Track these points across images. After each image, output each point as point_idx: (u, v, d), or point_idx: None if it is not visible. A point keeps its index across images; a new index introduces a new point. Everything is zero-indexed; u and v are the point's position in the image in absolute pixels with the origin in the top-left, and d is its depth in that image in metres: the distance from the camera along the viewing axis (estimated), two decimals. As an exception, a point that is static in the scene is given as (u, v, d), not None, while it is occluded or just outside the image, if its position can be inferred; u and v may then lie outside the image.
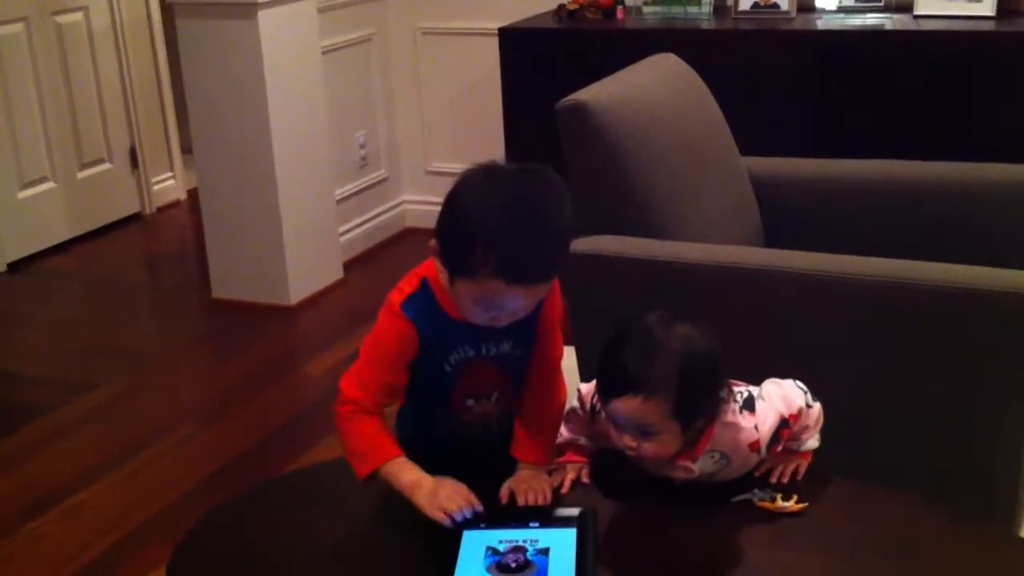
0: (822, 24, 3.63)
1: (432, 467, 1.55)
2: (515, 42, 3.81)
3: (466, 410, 1.64)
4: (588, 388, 1.63)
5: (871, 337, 1.99)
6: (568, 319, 2.03)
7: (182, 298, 4.16)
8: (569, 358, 1.79)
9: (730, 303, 2.06)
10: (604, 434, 1.59)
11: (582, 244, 2.17)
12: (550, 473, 1.62)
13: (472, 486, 1.54)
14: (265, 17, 3.65)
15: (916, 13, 3.60)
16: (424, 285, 1.55)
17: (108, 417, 3.21)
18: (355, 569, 1.49)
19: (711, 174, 2.44)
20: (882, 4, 3.72)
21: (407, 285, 1.57)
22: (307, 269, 3.98)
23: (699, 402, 1.47)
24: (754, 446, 1.53)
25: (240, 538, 1.59)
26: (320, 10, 3.97)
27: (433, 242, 1.49)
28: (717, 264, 2.09)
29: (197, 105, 3.82)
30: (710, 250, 2.14)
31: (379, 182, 4.59)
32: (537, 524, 1.50)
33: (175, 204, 5.27)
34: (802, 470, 1.61)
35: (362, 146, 4.46)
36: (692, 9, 3.85)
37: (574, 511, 1.53)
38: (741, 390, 1.56)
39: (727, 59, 3.44)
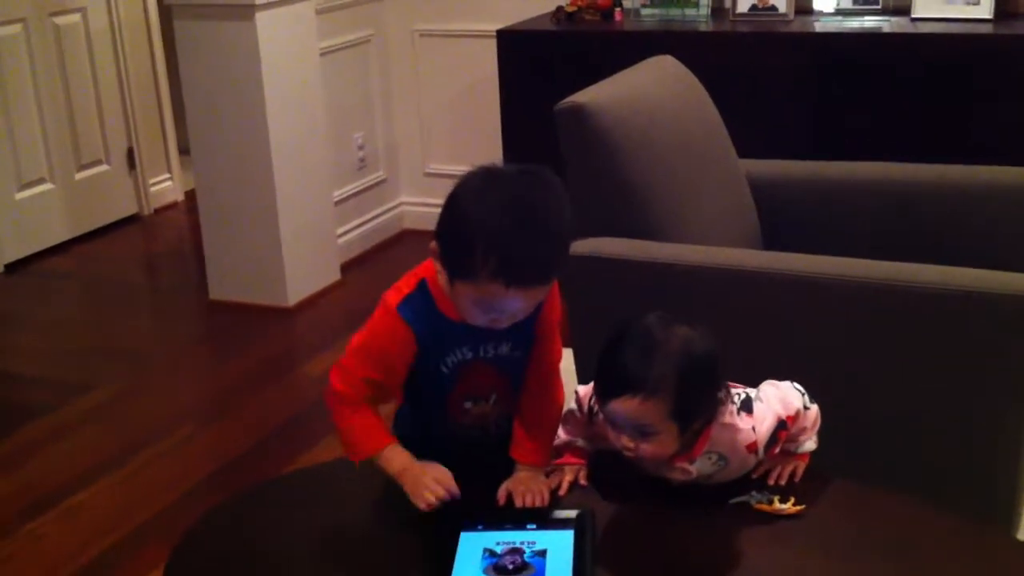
0: (820, 26, 3.63)
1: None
2: (514, 44, 3.81)
3: (464, 412, 1.64)
4: (586, 390, 1.63)
5: (869, 339, 1.99)
6: (566, 321, 2.03)
7: (180, 299, 4.16)
8: (567, 360, 1.79)
9: (729, 305, 2.06)
10: (602, 436, 1.59)
11: (581, 246, 2.17)
12: (548, 475, 1.62)
13: (470, 487, 1.54)
14: (263, 19, 3.65)
15: (914, 15, 3.60)
16: (422, 286, 1.55)
17: (107, 418, 3.21)
18: (353, 570, 1.49)
19: (710, 176, 2.44)
20: (880, 6, 3.73)
21: (405, 286, 1.56)
22: (305, 270, 3.98)
23: (697, 403, 1.47)
24: (752, 447, 1.53)
25: (239, 538, 1.59)
26: (318, 12, 3.98)
27: (433, 244, 1.49)
28: (716, 266, 2.09)
29: (195, 106, 3.82)
30: (709, 252, 2.15)
31: (377, 184, 4.59)
32: (534, 526, 1.50)
33: (173, 205, 5.27)
34: (800, 472, 1.62)
35: (360, 148, 4.46)
36: (690, 11, 3.85)
37: (572, 513, 1.53)
38: (739, 392, 1.56)
39: (725, 61, 3.45)
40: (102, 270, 4.49)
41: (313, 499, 1.68)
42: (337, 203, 4.25)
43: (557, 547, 1.45)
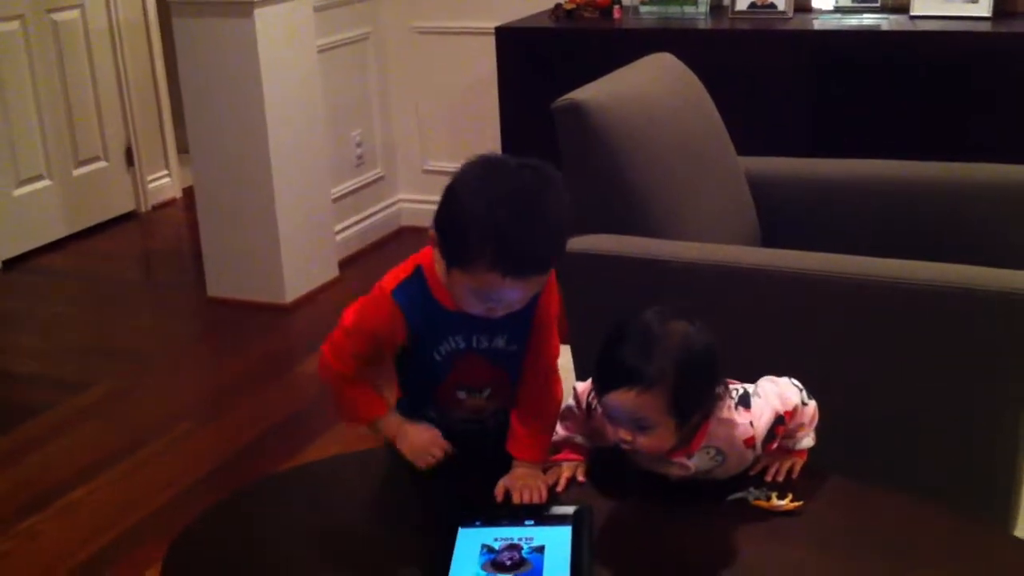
0: (819, 24, 3.63)
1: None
2: (512, 41, 3.81)
3: (458, 403, 1.65)
4: (584, 386, 1.63)
5: (867, 336, 1.99)
6: (565, 318, 2.03)
7: (178, 296, 4.16)
8: (565, 357, 1.79)
9: (727, 302, 2.06)
10: (600, 432, 1.59)
11: (579, 243, 2.17)
12: (546, 471, 1.62)
13: (468, 483, 1.55)
14: (261, 16, 3.65)
15: (912, 14, 3.61)
16: (418, 272, 1.56)
17: (104, 415, 3.21)
18: (351, 566, 1.49)
19: (708, 173, 2.44)
20: (878, 4, 3.72)
21: (402, 271, 1.58)
22: (303, 268, 3.98)
23: (695, 397, 1.47)
24: (749, 442, 1.53)
25: (236, 535, 1.59)
26: (316, 9, 3.97)
27: (432, 231, 1.50)
28: (714, 263, 2.09)
29: (193, 103, 3.82)
30: (707, 249, 2.14)
31: (375, 181, 4.59)
32: (532, 522, 1.50)
33: (171, 202, 5.27)
34: (797, 468, 1.62)
35: (358, 145, 4.46)
36: (689, 9, 3.85)
37: (569, 509, 1.53)
38: (737, 387, 1.56)
39: (724, 59, 3.45)
40: (100, 267, 4.49)
41: (311, 496, 1.68)
42: (335, 200, 4.25)
43: (555, 543, 1.45)
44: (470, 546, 1.45)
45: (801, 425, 1.60)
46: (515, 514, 1.53)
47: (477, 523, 1.50)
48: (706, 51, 3.34)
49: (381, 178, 4.63)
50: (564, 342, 1.71)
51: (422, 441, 1.62)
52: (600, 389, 1.49)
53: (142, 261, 4.74)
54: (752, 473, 1.60)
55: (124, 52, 4.93)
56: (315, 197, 4.04)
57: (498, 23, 3.86)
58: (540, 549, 1.44)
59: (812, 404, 1.62)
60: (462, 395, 1.64)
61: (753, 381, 1.61)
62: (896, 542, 1.48)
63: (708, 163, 2.46)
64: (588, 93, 2.23)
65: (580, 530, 1.47)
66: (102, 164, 4.92)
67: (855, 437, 1.96)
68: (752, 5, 3.75)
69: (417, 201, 4.64)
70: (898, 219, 2.54)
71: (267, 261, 3.88)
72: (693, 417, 1.48)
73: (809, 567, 1.45)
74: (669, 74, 2.55)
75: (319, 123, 4.02)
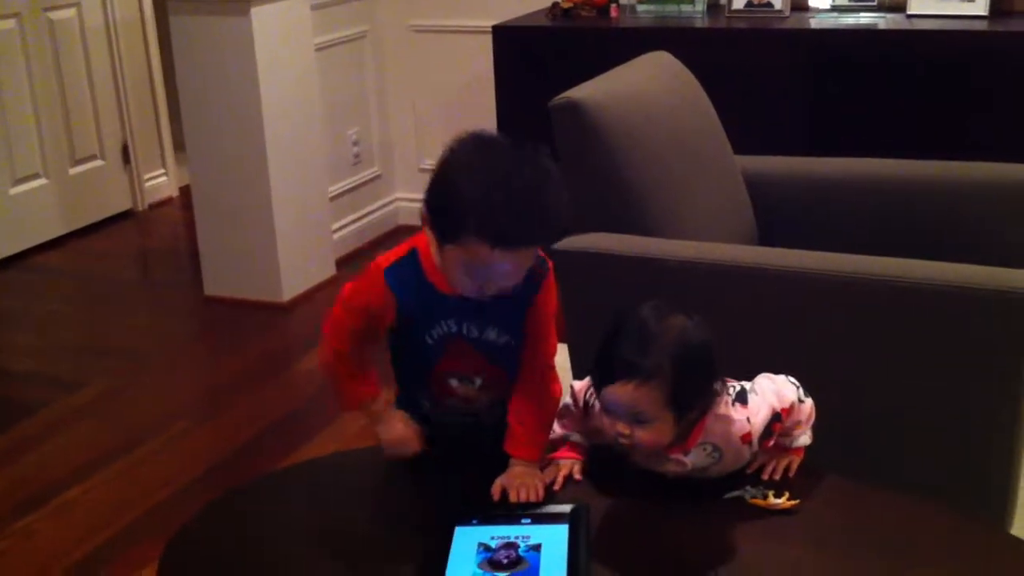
0: (816, 23, 3.63)
1: (427, 458, 1.62)
2: (509, 40, 3.81)
3: (450, 390, 1.65)
4: (582, 385, 1.64)
5: (864, 335, 1.99)
6: (561, 316, 2.03)
7: (174, 295, 4.15)
8: (562, 356, 1.79)
9: (724, 301, 2.06)
10: (598, 430, 1.60)
11: (576, 242, 2.17)
12: (543, 469, 1.62)
13: (465, 482, 1.55)
14: (258, 14, 3.64)
15: (909, 12, 3.60)
16: (412, 254, 1.58)
17: (101, 414, 3.20)
18: (348, 564, 1.49)
19: (705, 172, 2.44)
20: (875, 3, 3.72)
21: (398, 251, 1.60)
22: (300, 266, 3.98)
23: (693, 390, 1.48)
24: (746, 438, 1.53)
25: (232, 534, 1.59)
26: (313, 7, 3.97)
27: (423, 210, 1.51)
28: (711, 262, 2.09)
29: (190, 102, 3.81)
30: (704, 248, 2.14)
31: (372, 179, 4.59)
32: (529, 520, 1.50)
33: (167, 201, 5.26)
34: (794, 467, 1.62)
35: (355, 143, 4.46)
36: (686, 7, 3.85)
37: (566, 507, 1.53)
38: (734, 384, 1.57)
39: (721, 57, 3.45)
40: (96, 266, 4.49)
41: (307, 494, 1.68)
42: (332, 199, 4.24)
43: (552, 541, 1.45)
44: (467, 544, 1.45)
45: (798, 423, 1.61)
46: (512, 512, 1.53)
47: (474, 521, 1.50)
48: (703, 50, 3.34)
49: (378, 176, 4.62)
50: (561, 341, 1.71)
51: (398, 434, 1.65)
52: (598, 383, 1.49)
53: (139, 260, 4.73)
54: (749, 471, 1.60)
55: (120, 50, 4.93)
56: (312, 196, 4.04)
57: (495, 22, 3.86)
58: (537, 547, 1.44)
59: (809, 402, 1.62)
60: (454, 383, 1.65)
61: (750, 379, 1.61)
62: (893, 541, 1.48)
63: (705, 162, 2.46)
64: (585, 92, 2.23)
65: (577, 528, 1.47)
66: (98, 163, 4.91)
67: (852, 435, 1.96)
68: (749, 4, 3.75)
69: (414, 200, 4.63)
70: (895, 218, 2.54)
71: (264, 260, 3.88)
72: (691, 411, 1.49)
73: (806, 565, 1.45)
74: (666, 73, 2.55)
75: (316, 121, 4.02)
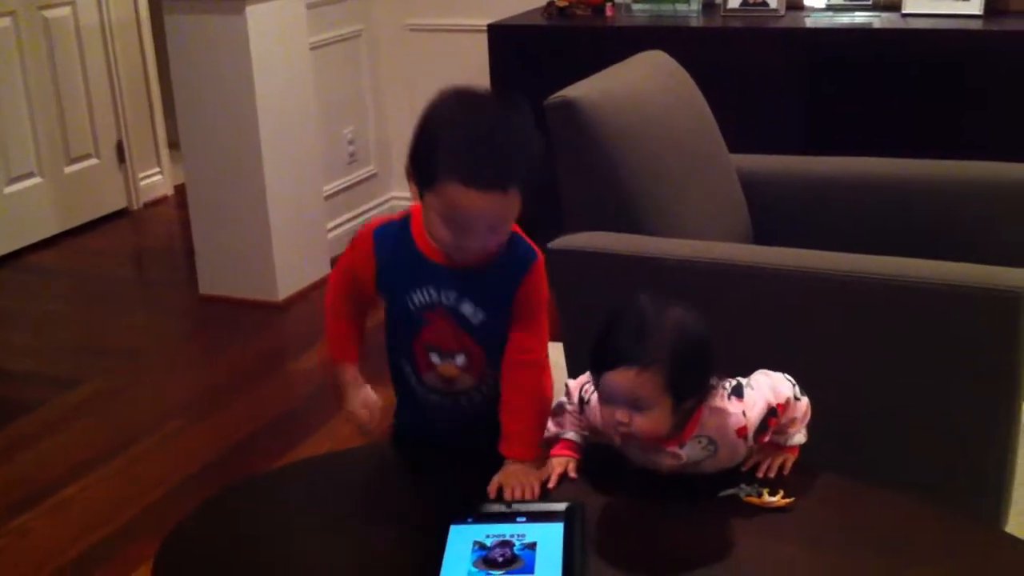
0: (811, 22, 3.64)
1: (426, 456, 1.66)
2: (504, 39, 3.81)
3: (431, 366, 1.66)
4: (577, 382, 1.64)
5: (860, 334, 2.00)
6: (556, 315, 2.03)
7: (170, 294, 4.15)
8: (557, 354, 1.79)
9: (720, 300, 2.06)
10: (593, 427, 1.60)
11: (571, 240, 2.17)
12: (538, 468, 1.62)
13: (460, 479, 1.56)
14: (253, 13, 3.64)
15: (904, 12, 3.61)
16: (405, 218, 1.64)
17: (96, 413, 3.20)
18: (342, 564, 1.49)
19: (700, 171, 2.44)
20: (870, 2, 3.73)
21: (393, 216, 1.66)
22: (295, 265, 3.98)
23: (691, 376, 1.48)
24: (742, 432, 1.53)
25: (228, 532, 1.59)
26: (308, 6, 3.97)
27: (407, 163, 1.55)
28: (706, 261, 2.09)
29: (185, 100, 3.81)
30: (699, 247, 2.15)
31: (368, 178, 4.59)
32: (524, 519, 1.50)
33: (162, 200, 5.25)
34: (789, 465, 1.62)
35: (351, 142, 4.45)
36: (681, 6, 3.85)
37: (561, 506, 1.52)
38: (730, 380, 1.57)
39: (716, 56, 3.45)
40: (91, 265, 4.48)
41: (303, 493, 1.68)
42: (327, 198, 4.24)
43: (547, 540, 1.45)
44: (462, 543, 1.45)
45: (793, 420, 1.61)
46: (507, 510, 1.53)
47: (469, 520, 1.50)
48: (698, 49, 3.35)
49: (374, 175, 4.62)
50: (556, 339, 1.71)
51: (359, 403, 1.70)
52: (597, 371, 1.50)
53: (134, 259, 4.73)
54: (744, 469, 1.60)
55: (115, 49, 4.92)
56: (307, 194, 4.03)
57: (491, 20, 3.86)
58: (532, 546, 1.44)
59: (804, 400, 1.62)
60: (435, 358, 1.66)
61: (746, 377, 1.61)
62: (888, 539, 1.49)
63: (700, 161, 2.46)
64: (580, 90, 2.23)
65: (572, 526, 1.47)
66: (94, 161, 4.91)
67: (847, 434, 1.97)
68: (744, 3, 3.75)
69: (409, 199, 4.62)
70: (891, 216, 2.54)
71: (259, 259, 3.88)
72: (689, 398, 1.49)
73: (801, 563, 1.45)
74: (661, 72, 2.55)
75: (311, 120, 4.02)
